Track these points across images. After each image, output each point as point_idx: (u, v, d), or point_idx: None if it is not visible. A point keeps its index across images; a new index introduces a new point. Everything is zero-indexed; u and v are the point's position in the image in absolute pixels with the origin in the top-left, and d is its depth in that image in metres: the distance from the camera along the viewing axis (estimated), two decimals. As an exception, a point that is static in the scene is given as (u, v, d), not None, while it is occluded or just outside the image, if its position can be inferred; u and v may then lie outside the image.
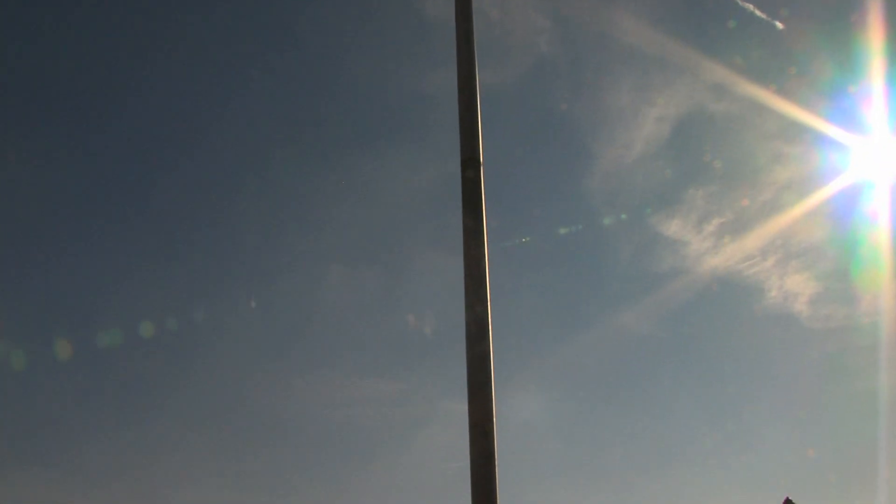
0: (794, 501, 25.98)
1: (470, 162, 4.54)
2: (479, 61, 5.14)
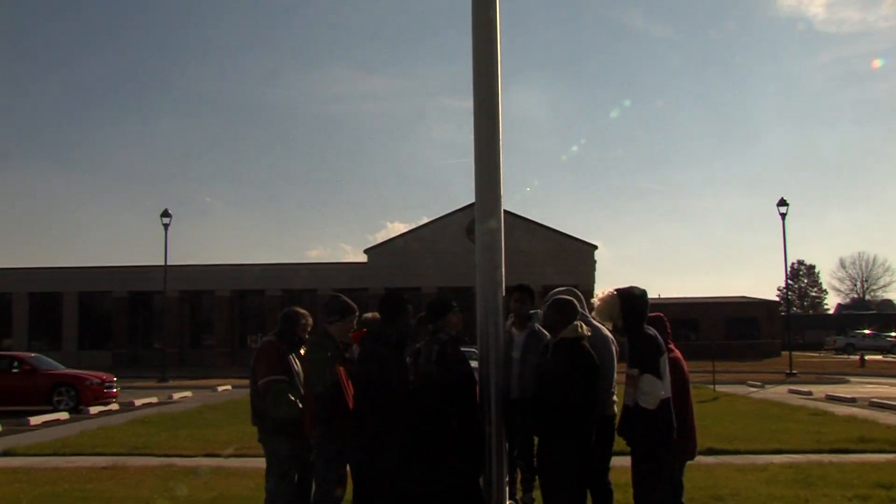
0: (787, 200, 26.40)
1: None
2: None
